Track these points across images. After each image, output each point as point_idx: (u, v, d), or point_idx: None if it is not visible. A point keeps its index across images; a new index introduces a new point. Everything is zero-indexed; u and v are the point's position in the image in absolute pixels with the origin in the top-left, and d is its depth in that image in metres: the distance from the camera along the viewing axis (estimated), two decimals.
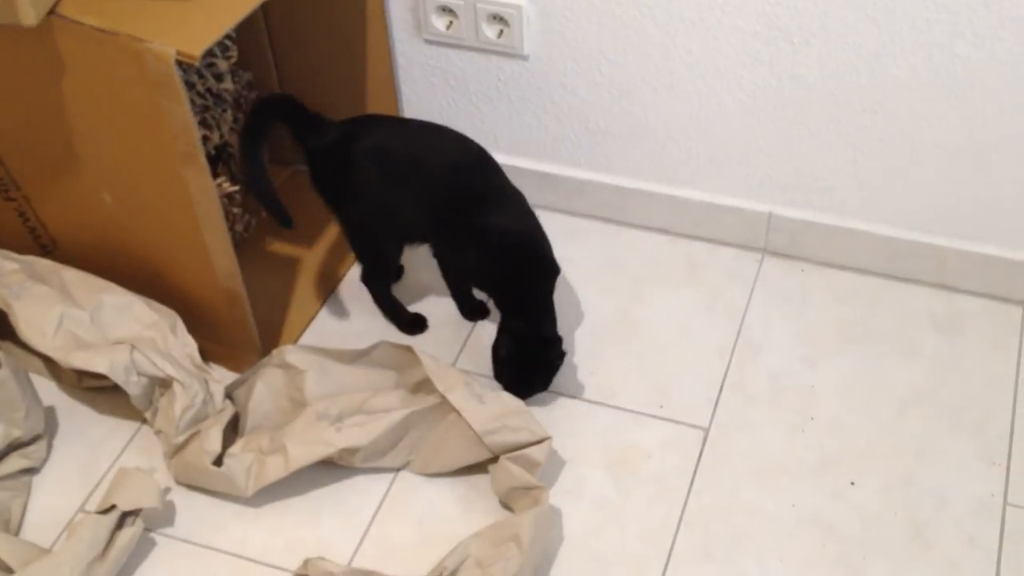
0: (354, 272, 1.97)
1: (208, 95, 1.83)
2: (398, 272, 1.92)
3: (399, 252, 1.79)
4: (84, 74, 1.52)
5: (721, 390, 1.77)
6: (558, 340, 1.70)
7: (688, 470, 1.66)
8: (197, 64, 1.49)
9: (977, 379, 1.76)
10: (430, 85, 1.98)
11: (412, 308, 1.88)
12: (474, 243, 1.69)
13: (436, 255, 1.80)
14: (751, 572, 1.53)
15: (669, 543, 1.57)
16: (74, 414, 1.75)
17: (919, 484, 1.62)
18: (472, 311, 1.88)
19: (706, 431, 1.71)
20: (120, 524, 1.52)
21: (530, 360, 1.70)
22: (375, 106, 2.00)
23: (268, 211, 1.70)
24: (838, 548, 1.55)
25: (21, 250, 1.76)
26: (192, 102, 1.75)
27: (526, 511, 1.50)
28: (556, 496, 1.62)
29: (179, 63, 1.42)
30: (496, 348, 1.72)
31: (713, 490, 1.63)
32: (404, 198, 1.69)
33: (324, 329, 1.88)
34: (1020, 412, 1.71)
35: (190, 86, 1.79)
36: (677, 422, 1.72)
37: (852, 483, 1.63)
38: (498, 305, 1.76)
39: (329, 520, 1.61)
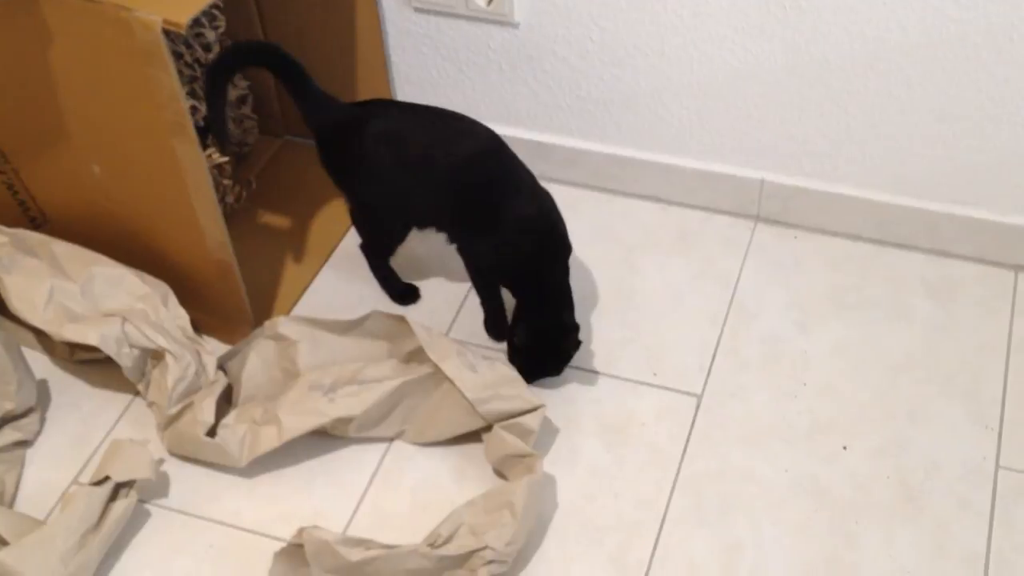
0: (346, 243, 1.96)
1: (196, 66, 1.82)
2: None
3: (404, 234, 1.79)
4: (71, 45, 1.51)
5: (714, 357, 1.77)
6: (575, 329, 1.68)
7: (681, 437, 1.66)
8: (183, 32, 1.49)
9: (969, 343, 1.76)
10: (420, 54, 1.97)
11: (405, 279, 1.88)
12: (490, 231, 1.67)
13: (457, 248, 1.76)
14: (744, 537, 1.54)
15: (663, 509, 1.57)
16: (67, 387, 1.75)
17: (911, 448, 1.63)
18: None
19: (699, 398, 1.71)
20: (114, 495, 1.52)
21: (546, 348, 1.69)
22: (365, 75, 1.99)
23: (214, 134, 1.74)
24: (831, 512, 1.56)
25: (10, 223, 1.76)
26: (180, 73, 1.74)
27: (520, 479, 1.51)
28: (550, 464, 1.62)
29: (166, 32, 1.41)
30: (511, 334, 1.71)
31: (706, 456, 1.64)
32: (414, 187, 1.69)
33: (316, 300, 1.88)
34: (1012, 376, 1.71)
35: (178, 56, 1.77)
36: (670, 389, 1.72)
37: (844, 448, 1.63)
38: (515, 293, 1.73)
39: (323, 490, 1.61)
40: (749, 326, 1.81)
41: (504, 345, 1.77)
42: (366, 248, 1.85)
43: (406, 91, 2.04)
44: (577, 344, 1.69)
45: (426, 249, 1.88)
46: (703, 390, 1.72)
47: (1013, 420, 1.65)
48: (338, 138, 1.70)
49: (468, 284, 1.87)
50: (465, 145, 1.67)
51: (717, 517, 1.56)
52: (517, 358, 1.71)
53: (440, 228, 1.75)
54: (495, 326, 1.80)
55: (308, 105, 1.69)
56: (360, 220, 1.82)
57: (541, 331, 1.67)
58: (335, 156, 1.72)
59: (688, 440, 1.66)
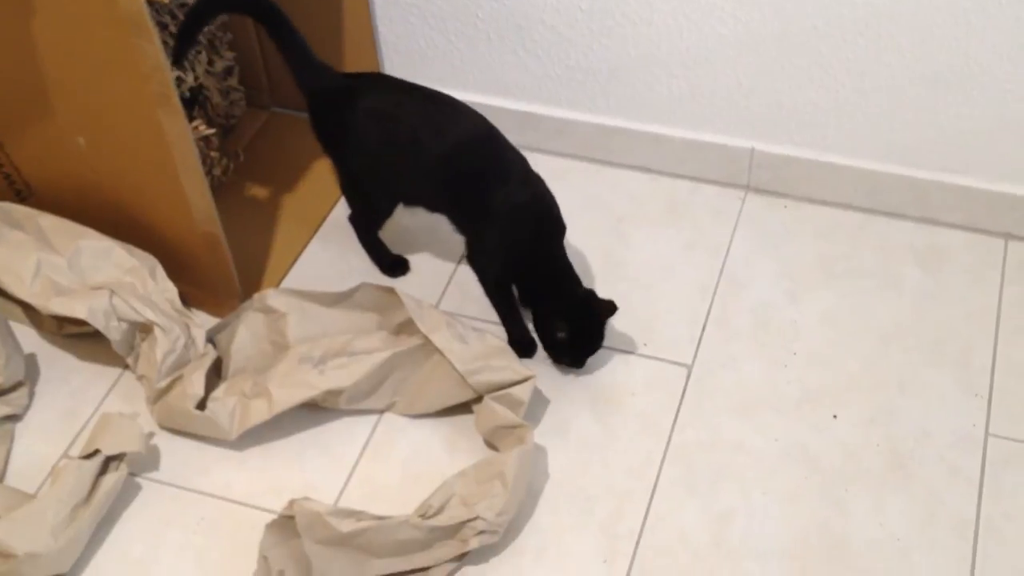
0: (335, 214, 1.95)
1: None
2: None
3: (391, 208, 1.78)
4: (55, 15, 1.49)
5: (704, 327, 1.77)
6: (593, 293, 1.67)
7: (672, 407, 1.66)
8: (167, 2, 1.47)
9: (959, 311, 1.76)
10: (407, 24, 1.96)
11: (394, 251, 1.87)
12: (484, 219, 1.66)
13: (457, 231, 1.73)
14: (735, 505, 1.54)
15: (653, 479, 1.58)
16: (55, 361, 1.74)
17: (901, 416, 1.63)
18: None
19: (690, 368, 1.71)
20: (104, 469, 1.52)
21: (586, 327, 1.66)
22: (352, 46, 1.97)
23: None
24: (821, 481, 1.56)
25: None
26: (165, 43, 1.72)
27: (510, 449, 1.51)
28: (541, 435, 1.62)
29: (150, 2, 1.40)
30: (549, 334, 1.66)
31: (697, 426, 1.64)
32: (401, 167, 1.68)
33: (306, 272, 1.87)
34: (1002, 343, 1.72)
35: (162, 27, 1.75)
36: (661, 359, 1.72)
37: (835, 416, 1.64)
38: (524, 288, 1.71)
39: (314, 462, 1.61)
40: (739, 296, 1.81)
41: (496, 319, 1.75)
42: (355, 220, 1.85)
43: (394, 61, 2.02)
44: (613, 307, 1.65)
45: (416, 221, 1.87)
46: (693, 360, 1.72)
47: (1002, 388, 1.66)
48: (329, 107, 1.68)
49: (458, 257, 1.87)
50: (455, 132, 1.65)
51: (707, 486, 1.56)
52: (565, 355, 1.68)
53: (434, 210, 1.73)
54: (521, 340, 1.73)
55: (297, 64, 1.68)
56: (346, 189, 1.81)
57: (574, 314, 1.64)
58: (325, 124, 1.71)
59: (679, 410, 1.66)
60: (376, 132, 1.66)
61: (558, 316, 1.65)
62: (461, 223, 1.71)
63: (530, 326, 1.74)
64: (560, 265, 1.69)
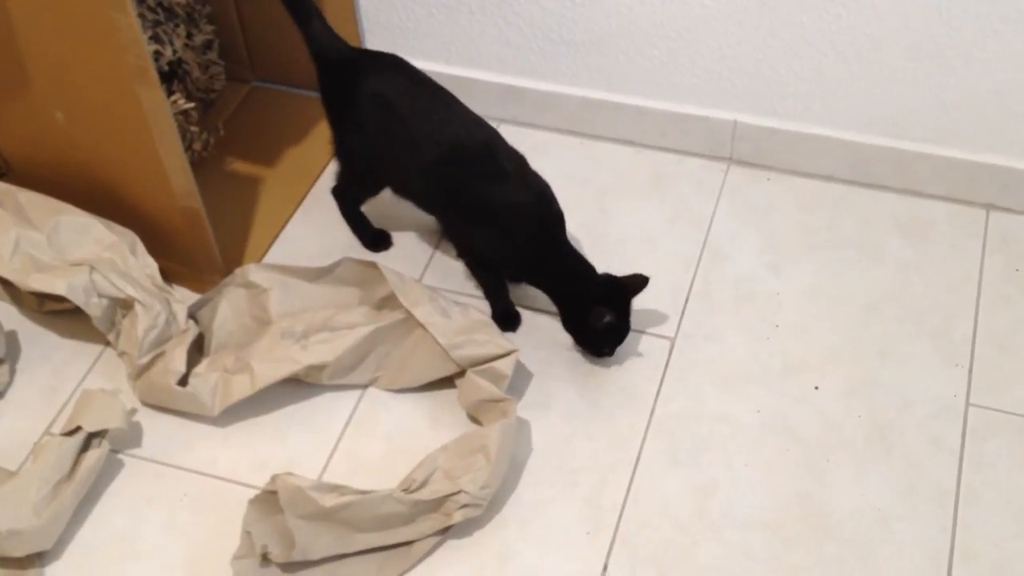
0: (317, 189, 1.94)
1: (159, 9, 1.79)
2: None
3: (379, 188, 1.77)
4: None
5: (687, 300, 1.77)
6: (611, 275, 1.65)
7: (655, 379, 1.67)
8: None
9: (941, 282, 1.77)
10: None
11: (377, 225, 1.86)
12: (482, 221, 1.64)
13: (446, 235, 1.72)
14: (717, 477, 1.55)
15: (636, 451, 1.58)
16: (36, 338, 1.73)
17: (882, 387, 1.64)
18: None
19: (673, 340, 1.71)
20: (86, 446, 1.51)
21: (624, 308, 1.64)
22: (333, 18, 1.93)
23: None
24: (803, 451, 1.57)
25: None
26: (143, 16, 1.71)
27: (494, 423, 1.51)
28: (524, 408, 1.62)
29: None
30: (590, 326, 1.62)
31: (680, 398, 1.64)
32: (394, 157, 1.67)
33: (288, 247, 1.87)
34: (983, 314, 1.72)
35: (140, 1, 1.74)
36: (644, 332, 1.73)
37: (816, 387, 1.64)
38: (538, 282, 1.68)
39: (297, 437, 1.61)
40: (722, 268, 1.81)
41: (479, 293, 1.75)
42: (338, 192, 1.84)
43: (375, 34, 2.01)
44: (643, 280, 1.63)
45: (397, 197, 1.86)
46: (676, 332, 1.72)
47: (983, 357, 1.67)
48: (336, 79, 1.68)
49: (440, 230, 1.86)
50: (451, 135, 1.62)
51: (690, 458, 1.57)
52: (606, 342, 1.66)
53: (426, 210, 1.72)
54: (505, 314, 1.73)
55: (310, 30, 1.66)
56: (340, 157, 1.78)
57: (609, 298, 1.62)
58: (330, 94, 1.71)
59: (662, 382, 1.66)
60: (375, 117, 1.65)
61: (598, 303, 1.61)
62: (454, 226, 1.70)
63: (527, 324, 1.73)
64: (572, 256, 1.67)
